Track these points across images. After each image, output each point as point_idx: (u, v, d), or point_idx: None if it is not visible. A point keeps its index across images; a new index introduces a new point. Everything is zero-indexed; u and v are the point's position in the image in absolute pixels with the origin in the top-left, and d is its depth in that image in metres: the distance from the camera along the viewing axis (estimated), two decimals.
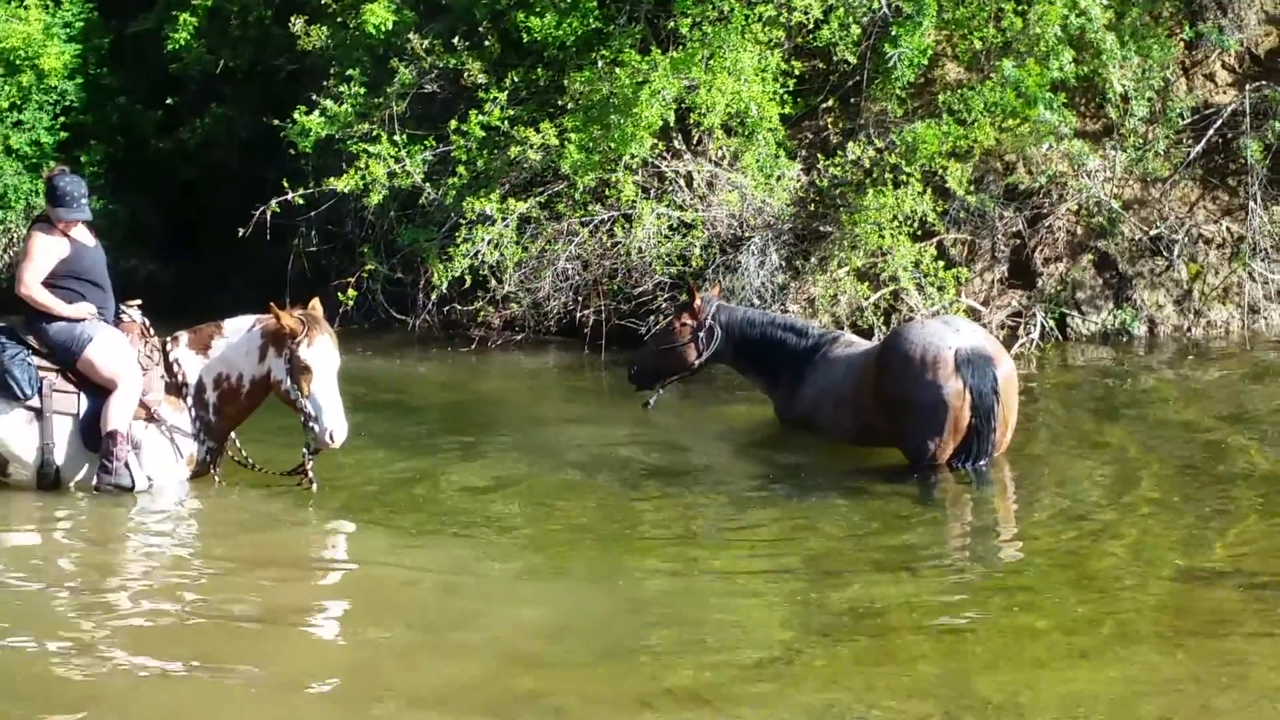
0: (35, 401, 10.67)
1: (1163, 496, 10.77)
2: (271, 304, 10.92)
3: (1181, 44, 18.90)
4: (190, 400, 10.97)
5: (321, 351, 10.79)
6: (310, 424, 10.78)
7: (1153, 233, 18.22)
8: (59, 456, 10.75)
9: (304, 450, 10.90)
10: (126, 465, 10.69)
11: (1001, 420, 11.27)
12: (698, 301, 13.37)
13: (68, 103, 23.30)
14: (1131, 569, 9.11)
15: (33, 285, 10.81)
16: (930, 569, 9.32)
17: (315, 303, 11.10)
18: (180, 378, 11.00)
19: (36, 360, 10.69)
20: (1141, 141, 18.32)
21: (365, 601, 8.99)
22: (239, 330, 11.13)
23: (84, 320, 10.79)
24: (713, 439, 13.25)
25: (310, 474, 10.89)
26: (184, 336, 11.20)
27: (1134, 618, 8.20)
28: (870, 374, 11.81)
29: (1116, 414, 14.03)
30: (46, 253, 10.84)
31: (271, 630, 8.31)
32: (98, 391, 10.71)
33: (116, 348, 10.78)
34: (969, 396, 11.11)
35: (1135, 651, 7.67)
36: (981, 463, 11.23)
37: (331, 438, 10.73)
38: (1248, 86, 18.50)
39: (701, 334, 13.31)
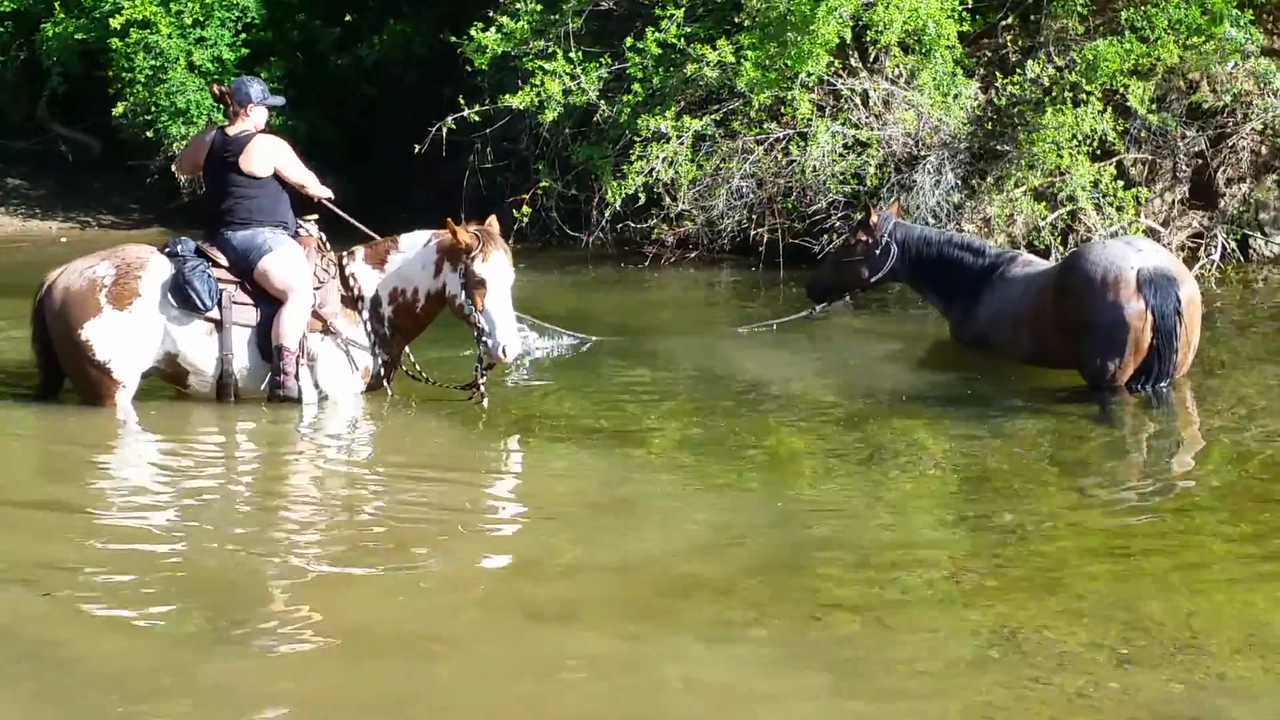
0: (215, 313, 10.81)
1: None
2: (448, 219, 11.01)
3: None
4: (366, 314, 11.10)
5: (496, 267, 10.87)
6: (484, 339, 10.88)
7: None
8: (237, 367, 10.91)
9: (476, 365, 11.01)
10: (297, 377, 10.84)
11: (1184, 342, 11.10)
12: (874, 218, 13.28)
13: (249, 19, 23.56)
14: None
15: (312, 180, 11.32)
16: (1104, 490, 9.22)
17: (492, 219, 11.18)
18: (356, 291, 11.13)
19: (217, 272, 10.85)
20: None
21: (533, 504, 9.09)
22: (415, 245, 11.23)
23: (264, 231, 10.95)
24: (883, 360, 13.14)
25: (482, 389, 10.99)
26: (360, 251, 11.33)
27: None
28: (1050, 294, 11.68)
29: None
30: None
31: (440, 528, 8.43)
32: (274, 303, 10.85)
33: (292, 260, 10.91)
34: (1151, 318, 10.94)
35: None
36: (1163, 384, 11.08)
37: (505, 352, 10.86)
38: None
39: (878, 251, 13.22)
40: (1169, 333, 10.97)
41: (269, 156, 11.04)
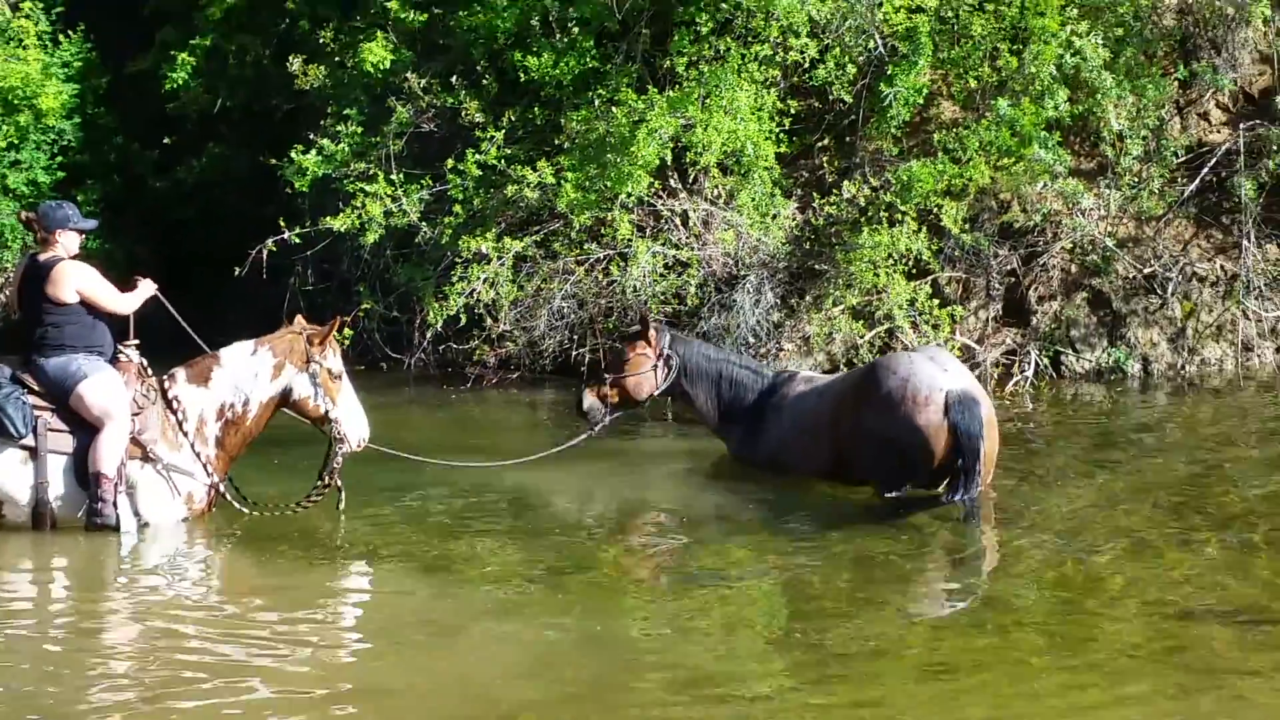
0: (30, 440, 10.64)
1: (1157, 534, 10.76)
2: (298, 316, 11.24)
3: (1176, 83, 18.98)
4: (191, 436, 11.00)
5: (340, 360, 11.31)
6: (341, 430, 11.24)
7: (1147, 271, 18.28)
8: (53, 495, 10.71)
9: (324, 467, 11.29)
10: (116, 505, 10.67)
11: (987, 457, 11.31)
12: (652, 332, 13.18)
13: (65, 142, 23.40)
14: (1125, 605, 9.10)
15: (120, 302, 11.10)
16: (922, 606, 9.35)
17: (337, 320, 11.62)
18: (180, 414, 11.03)
19: (32, 399, 10.67)
20: (1136, 180, 18.40)
21: (353, 629, 9.00)
22: (240, 356, 11.26)
23: (78, 357, 10.79)
24: (686, 478, 13.08)
25: (339, 483, 11.29)
26: (181, 372, 11.24)
27: (1130, 654, 8.19)
28: (850, 403, 11.83)
29: (1109, 452, 14.01)
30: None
31: (260, 656, 8.31)
32: (91, 430, 10.69)
33: (108, 385, 10.75)
34: (955, 438, 11.13)
35: (1130, 687, 7.66)
36: (971, 496, 11.21)
37: (362, 441, 11.36)
38: (1241, 125, 18.59)
39: (659, 364, 13.17)
40: (975, 451, 11.11)
41: (72, 282, 10.87)
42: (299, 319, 11.47)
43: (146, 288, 11.28)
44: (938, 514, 11.26)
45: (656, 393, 13.23)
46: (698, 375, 13.11)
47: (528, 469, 13.02)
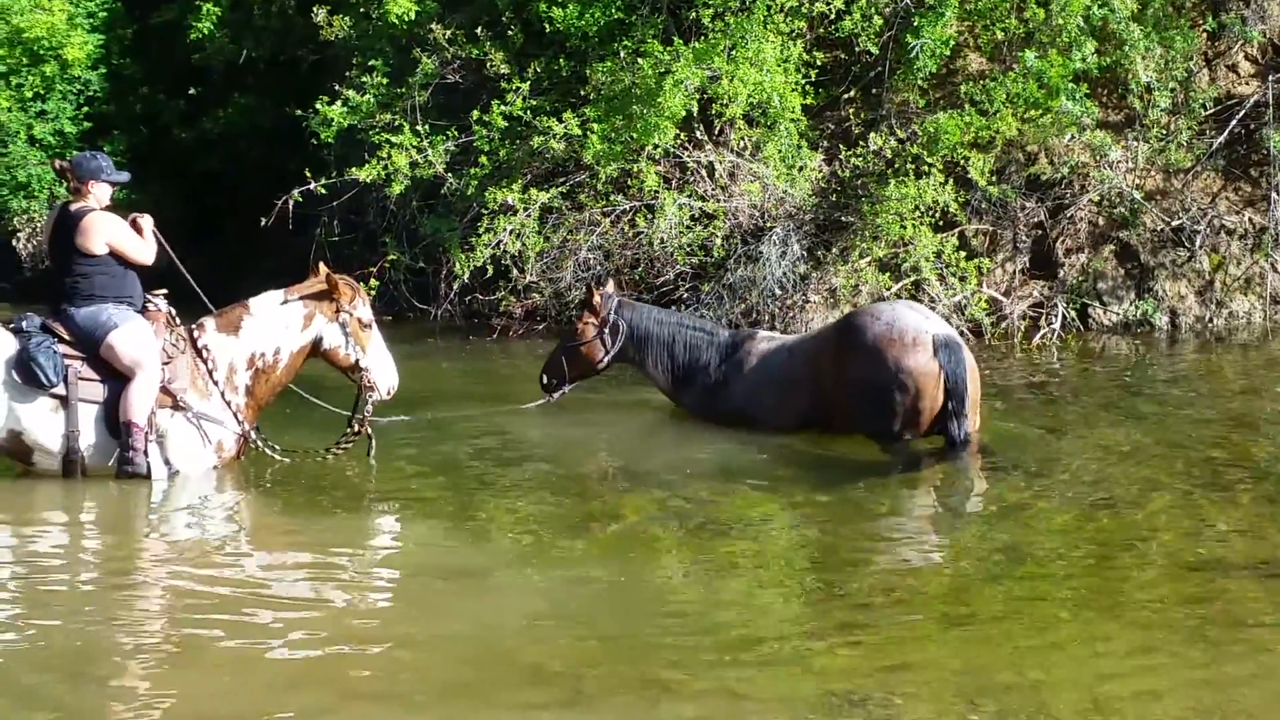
0: (60, 389, 10.67)
1: (1184, 486, 10.75)
2: (323, 266, 11.31)
3: (1204, 35, 18.92)
4: (221, 385, 11.05)
5: (370, 310, 11.43)
6: (371, 379, 11.38)
7: (1175, 224, 18.25)
8: (84, 444, 10.76)
9: (353, 413, 11.48)
10: (146, 454, 10.72)
11: (973, 402, 11.59)
12: (597, 299, 13.23)
13: (91, 92, 23.44)
14: (1149, 558, 9.11)
15: (146, 252, 11.08)
16: (944, 556, 9.35)
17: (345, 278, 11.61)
18: (210, 363, 11.07)
19: (62, 348, 10.71)
20: (1164, 132, 18.35)
21: (369, 578, 9.03)
22: (269, 305, 11.31)
23: (109, 307, 10.81)
24: (695, 433, 12.93)
25: (369, 430, 11.45)
26: (210, 322, 11.27)
27: (1155, 607, 8.20)
28: (833, 355, 11.96)
29: (1137, 404, 13.99)
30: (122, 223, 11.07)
31: (280, 602, 8.34)
32: (121, 379, 10.73)
33: (139, 335, 10.78)
34: (945, 380, 11.40)
35: (1155, 639, 7.67)
36: (963, 439, 11.46)
37: (391, 389, 11.48)
38: (1270, 77, 18.50)
39: (606, 331, 13.19)
40: (961, 395, 11.40)
41: (102, 234, 10.87)
42: (324, 267, 11.48)
43: (147, 224, 11.24)
44: (949, 464, 11.40)
45: (607, 358, 13.23)
46: (648, 340, 13.13)
47: (555, 420, 13.08)
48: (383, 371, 11.45)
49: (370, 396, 11.40)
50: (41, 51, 22.83)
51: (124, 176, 11.40)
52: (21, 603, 8.42)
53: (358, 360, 11.35)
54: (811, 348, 12.35)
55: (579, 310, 13.73)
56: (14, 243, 23.18)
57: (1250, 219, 18.38)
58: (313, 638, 7.85)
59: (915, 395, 11.46)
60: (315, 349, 11.35)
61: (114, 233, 10.94)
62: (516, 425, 13.10)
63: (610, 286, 13.69)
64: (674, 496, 10.81)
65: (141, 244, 11.06)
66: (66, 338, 10.77)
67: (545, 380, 13.44)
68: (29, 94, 22.70)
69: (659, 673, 7.19)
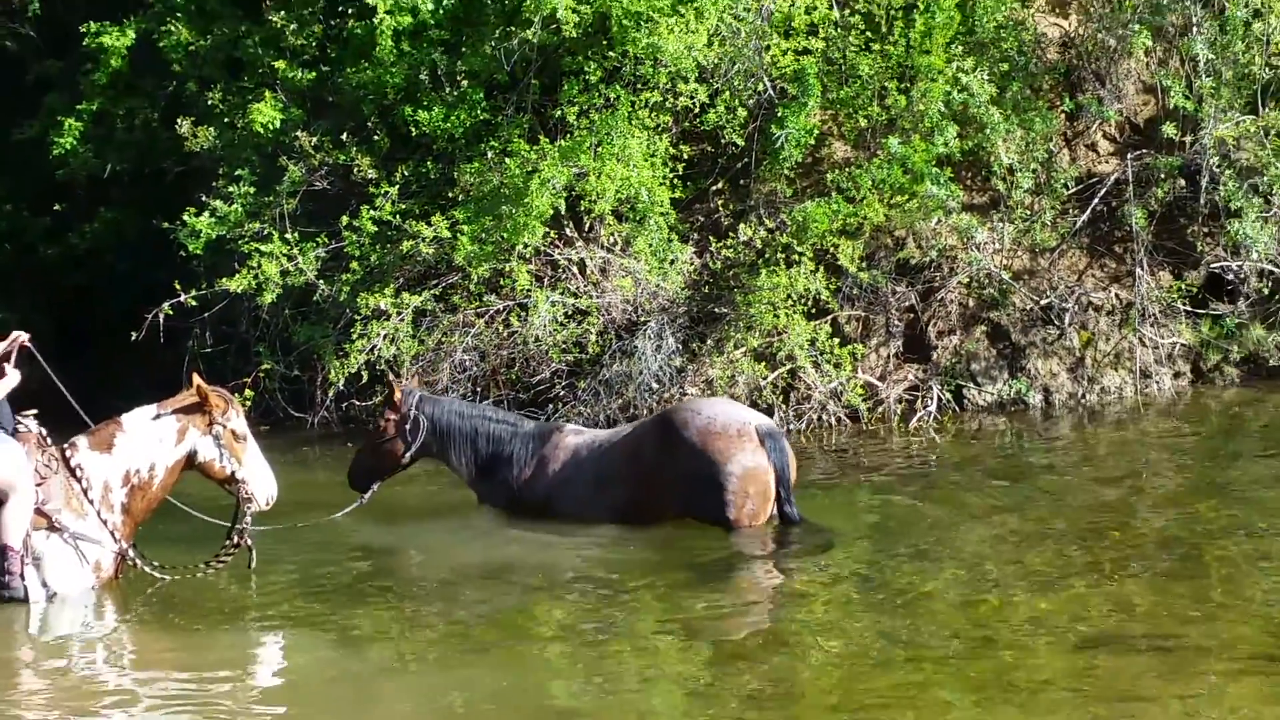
0: None
1: (1062, 563, 10.84)
2: (196, 377, 11.24)
3: (1063, 116, 19.18)
4: (96, 503, 10.90)
5: (244, 420, 11.30)
6: (248, 490, 11.23)
7: (1043, 302, 18.43)
8: None
9: (232, 527, 11.28)
10: (23, 577, 10.57)
11: (793, 487, 11.98)
12: (397, 394, 13.28)
13: None
14: (1036, 635, 9.16)
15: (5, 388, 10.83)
16: (833, 646, 9.35)
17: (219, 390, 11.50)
18: (85, 482, 10.93)
19: None
20: (1028, 213, 18.55)
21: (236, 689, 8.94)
22: (142, 420, 11.22)
23: None
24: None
25: (249, 542, 11.26)
26: (83, 440, 11.16)
27: (1043, 687, 8.24)
28: (656, 450, 12.13)
29: (1015, 484, 14.08)
30: None
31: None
32: None
33: (10, 457, 10.63)
34: (775, 469, 11.77)
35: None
36: (799, 518, 11.87)
37: (269, 500, 11.35)
38: (1129, 155, 18.77)
39: (407, 427, 13.20)
40: (788, 481, 11.84)
41: None
42: (196, 379, 11.36)
43: (12, 378, 11.02)
44: (836, 551, 11.54)
45: (409, 454, 13.26)
46: (449, 433, 13.19)
47: (433, 526, 13.06)
48: (260, 482, 11.35)
49: (249, 508, 11.29)
50: None
51: None
52: None
53: (234, 472, 11.23)
54: (630, 444, 12.46)
55: (381, 407, 13.70)
56: None
57: (1116, 294, 18.60)
58: None
59: (751, 487, 11.74)
60: (190, 462, 11.25)
61: None
62: (391, 532, 13.04)
63: (413, 383, 13.75)
64: (559, 593, 10.79)
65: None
66: None
67: (352, 481, 13.41)
68: None
69: None
